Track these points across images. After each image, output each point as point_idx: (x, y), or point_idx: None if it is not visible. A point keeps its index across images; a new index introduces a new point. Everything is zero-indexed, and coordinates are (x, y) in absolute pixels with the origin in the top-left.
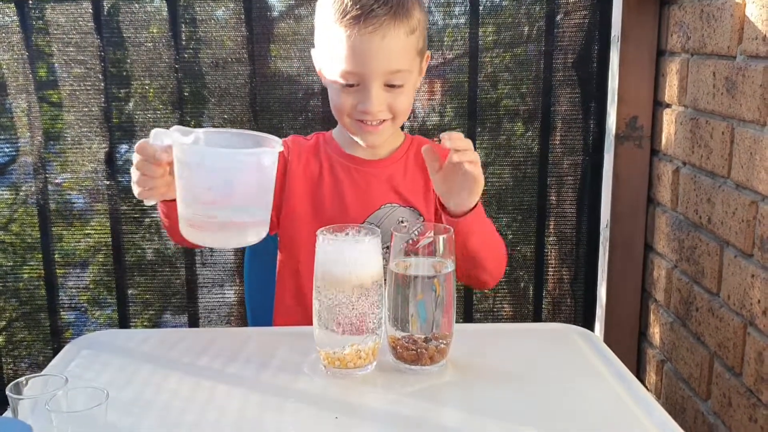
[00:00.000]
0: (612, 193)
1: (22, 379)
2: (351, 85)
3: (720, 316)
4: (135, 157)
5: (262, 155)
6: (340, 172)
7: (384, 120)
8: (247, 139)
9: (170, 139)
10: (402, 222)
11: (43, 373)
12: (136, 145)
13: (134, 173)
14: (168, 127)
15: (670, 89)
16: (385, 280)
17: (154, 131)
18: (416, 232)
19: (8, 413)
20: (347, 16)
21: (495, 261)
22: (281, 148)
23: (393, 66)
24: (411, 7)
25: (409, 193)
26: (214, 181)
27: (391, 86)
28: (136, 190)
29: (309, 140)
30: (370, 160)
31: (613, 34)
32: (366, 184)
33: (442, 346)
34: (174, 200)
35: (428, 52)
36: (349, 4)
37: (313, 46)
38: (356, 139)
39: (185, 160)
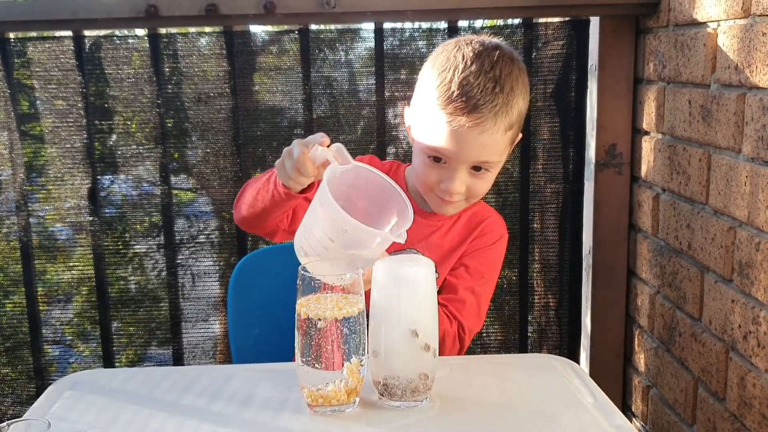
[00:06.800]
0: (593, 219)
1: (5, 424)
2: (438, 160)
3: (702, 341)
4: (295, 151)
5: (384, 241)
6: None
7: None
8: (386, 194)
9: (326, 156)
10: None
11: (25, 417)
12: (300, 146)
13: (285, 162)
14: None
15: (648, 117)
16: (367, 313)
17: (314, 139)
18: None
19: None
20: (451, 105)
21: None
22: (402, 240)
23: (483, 158)
24: (515, 102)
25: (435, 248)
26: (338, 239)
27: (476, 169)
28: (277, 169)
29: (384, 165)
30: (425, 211)
31: (590, 64)
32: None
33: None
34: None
35: (520, 135)
36: (456, 93)
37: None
38: (430, 205)
39: (327, 210)
